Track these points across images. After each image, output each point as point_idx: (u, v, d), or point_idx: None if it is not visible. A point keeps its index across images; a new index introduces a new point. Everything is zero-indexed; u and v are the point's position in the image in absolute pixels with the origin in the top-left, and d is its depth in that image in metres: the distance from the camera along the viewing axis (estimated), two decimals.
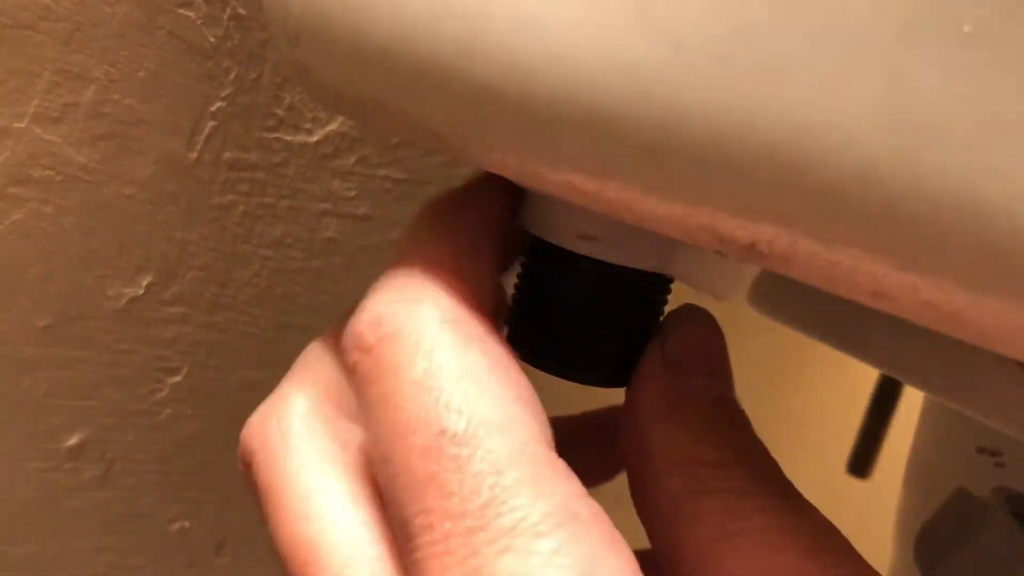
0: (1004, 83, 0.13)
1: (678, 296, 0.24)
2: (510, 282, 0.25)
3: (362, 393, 0.20)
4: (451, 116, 0.19)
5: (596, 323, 0.23)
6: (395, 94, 0.20)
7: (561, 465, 0.18)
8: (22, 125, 0.29)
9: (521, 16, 0.17)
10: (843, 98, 0.14)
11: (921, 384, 0.27)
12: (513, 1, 0.17)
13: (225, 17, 0.32)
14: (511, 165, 0.19)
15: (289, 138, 0.35)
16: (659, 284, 0.23)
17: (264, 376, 0.38)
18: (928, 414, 0.40)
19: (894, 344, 0.27)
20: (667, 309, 0.24)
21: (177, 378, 0.36)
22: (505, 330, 0.24)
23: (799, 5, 0.14)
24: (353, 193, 0.37)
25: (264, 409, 0.24)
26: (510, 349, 0.20)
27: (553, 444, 0.19)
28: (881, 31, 0.14)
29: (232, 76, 0.33)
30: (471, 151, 0.20)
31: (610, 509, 0.19)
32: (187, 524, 0.38)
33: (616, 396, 0.24)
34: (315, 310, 0.38)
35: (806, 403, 0.72)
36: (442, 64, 0.19)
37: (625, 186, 0.17)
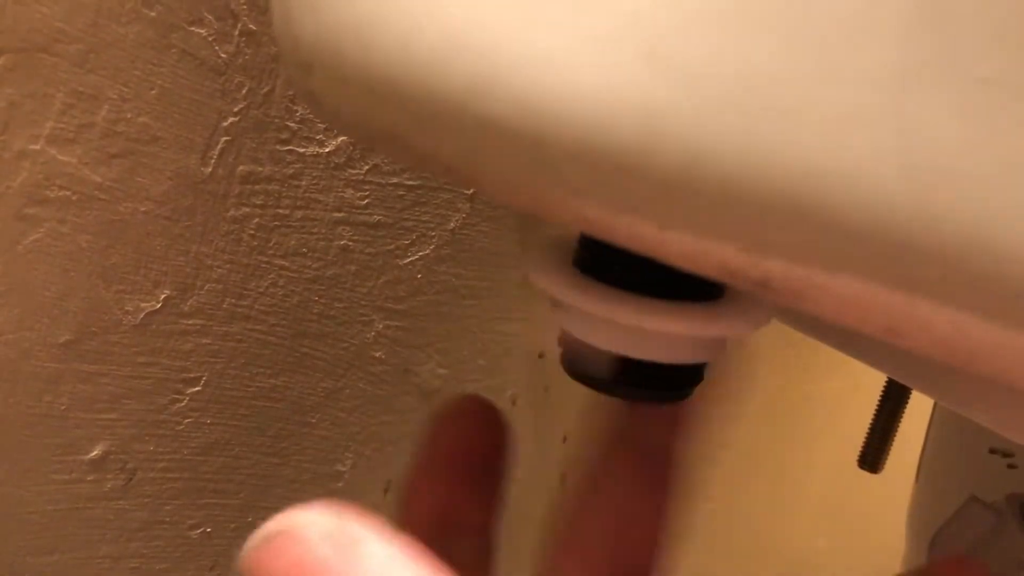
0: (1020, 126, 0.13)
1: None
2: None
3: None
4: (462, 150, 0.19)
5: None
6: (407, 127, 0.20)
7: None
8: (38, 147, 0.29)
9: (532, 54, 0.17)
10: (854, 141, 0.14)
11: (926, 390, 0.27)
12: (524, 39, 0.17)
13: (236, 33, 0.32)
14: (522, 199, 0.19)
15: (302, 150, 0.35)
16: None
17: (282, 383, 0.39)
18: (940, 414, 0.40)
19: (897, 351, 0.27)
20: None
21: (196, 388, 0.36)
22: None
23: (806, 48, 0.15)
24: (366, 201, 0.38)
25: None
26: None
27: None
28: (892, 75, 0.14)
29: (244, 91, 0.33)
30: (482, 184, 0.20)
31: None
32: (209, 529, 0.39)
33: None
34: (330, 316, 0.39)
35: (818, 393, 0.72)
36: (453, 99, 0.19)
37: (637, 221, 0.18)
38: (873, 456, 0.44)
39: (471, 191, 0.41)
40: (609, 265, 0.23)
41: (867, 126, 0.14)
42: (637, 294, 0.22)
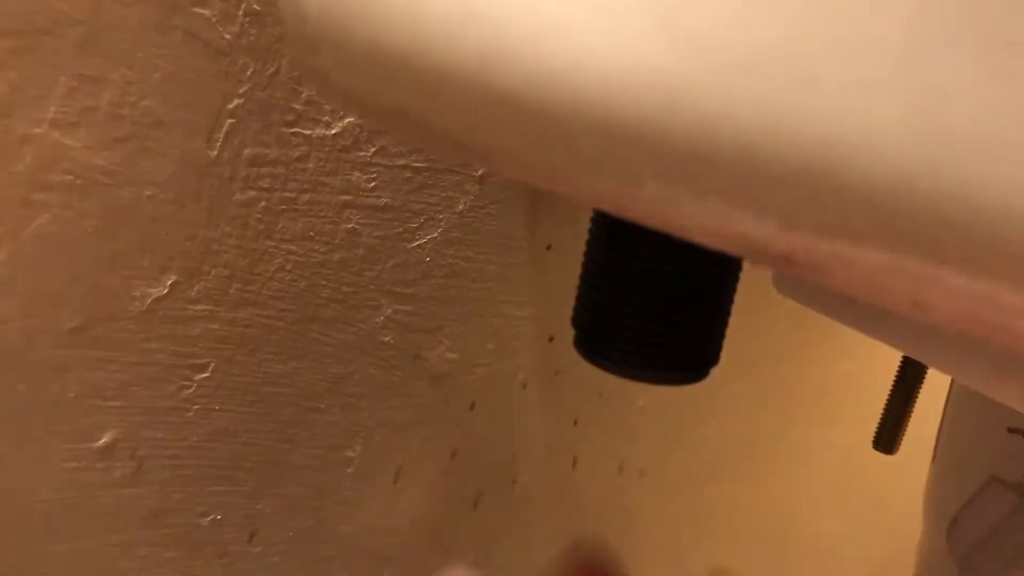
0: None
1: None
2: None
3: None
4: (474, 126, 0.19)
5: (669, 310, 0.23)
6: (417, 103, 0.20)
7: None
8: (41, 131, 0.29)
9: (544, 24, 0.17)
10: (871, 109, 0.14)
11: (942, 367, 0.27)
12: (535, 8, 0.17)
13: (240, 14, 0.32)
14: (536, 175, 0.19)
15: (308, 132, 0.35)
16: (728, 264, 0.23)
17: (290, 368, 0.38)
18: (957, 393, 0.40)
19: (915, 327, 0.27)
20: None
21: (204, 374, 0.36)
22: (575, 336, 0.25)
23: (823, 15, 0.14)
24: (373, 184, 0.37)
25: None
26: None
27: None
28: (912, 41, 0.13)
29: (249, 72, 0.33)
30: (495, 161, 0.19)
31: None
32: (219, 516, 0.39)
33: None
34: (339, 301, 0.38)
35: (833, 373, 0.72)
36: (464, 72, 0.18)
37: (655, 195, 0.17)
38: (888, 437, 0.43)
39: (480, 172, 0.41)
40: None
41: (884, 95, 0.14)
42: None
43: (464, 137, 0.19)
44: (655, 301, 0.22)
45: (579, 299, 0.24)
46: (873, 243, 0.15)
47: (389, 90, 0.20)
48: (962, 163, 0.13)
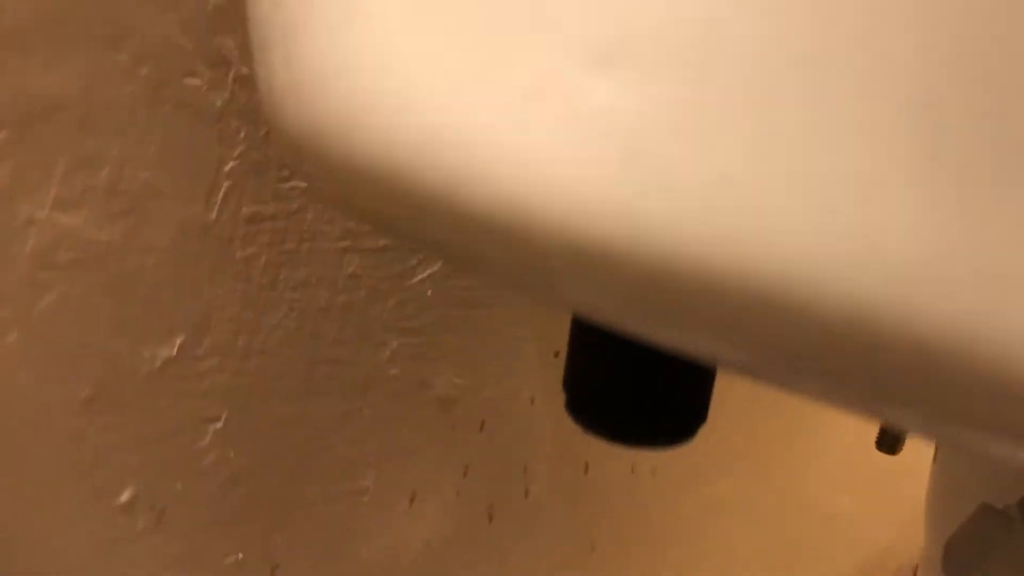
0: (988, 235, 0.13)
1: None
2: None
3: None
4: (446, 238, 0.20)
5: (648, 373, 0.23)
6: (393, 214, 0.20)
7: None
8: (44, 214, 0.30)
9: (506, 151, 0.18)
10: (820, 243, 0.15)
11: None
12: (498, 136, 0.18)
13: (230, 79, 0.33)
14: (508, 282, 0.20)
15: (304, 185, 0.35)
16: None
17: (299, 410, 0.39)
18: None
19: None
20: None
21: (217, 424, 0.37)
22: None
23: (776, 154, 0.15)
24: (370, 228, 0.38)
25: None
26: None
27: None
28: (861, 178, 0.14)
29: (242, 135, 0.33)
30: (476, 269, 0.20)
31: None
32: (240, 555, 0.40)
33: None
34: (343, 343, 0.39)
35: None
36: (436, 191, 0.19)
37: (620, 313, 0.18)
38: (891, 438, 0.44)
39: None
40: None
41: (832, 230, 0.14)
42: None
43: (439, 245, 0.20)
44: (638, 374, 0.23)
45: (567, 368, 0.25)
46: (826, 364, 0.16)
47: (367, 200, 0.21)
48: (904, 293, 0.14)
